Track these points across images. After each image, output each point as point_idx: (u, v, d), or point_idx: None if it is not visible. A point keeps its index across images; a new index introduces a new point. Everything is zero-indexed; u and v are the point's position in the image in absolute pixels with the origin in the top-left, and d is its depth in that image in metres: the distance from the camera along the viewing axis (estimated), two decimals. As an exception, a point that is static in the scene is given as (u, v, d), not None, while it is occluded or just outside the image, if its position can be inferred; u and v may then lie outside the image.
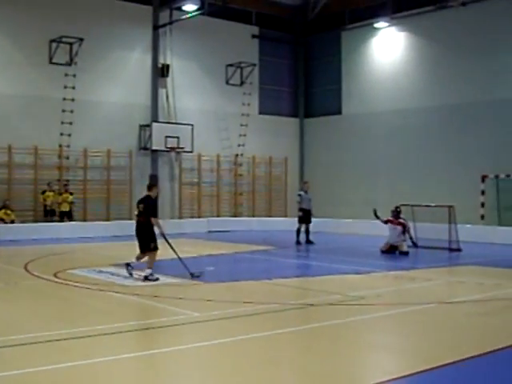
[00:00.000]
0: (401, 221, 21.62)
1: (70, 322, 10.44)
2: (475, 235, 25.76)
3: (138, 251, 15.09)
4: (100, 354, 8.18)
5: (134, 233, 15.09)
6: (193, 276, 14.93)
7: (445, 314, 11.50)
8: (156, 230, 14.87)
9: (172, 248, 15.13)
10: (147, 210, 14.77)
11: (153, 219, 14.71)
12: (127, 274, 14.95)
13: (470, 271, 18.07)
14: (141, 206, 14.98)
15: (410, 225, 22.14)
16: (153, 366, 7.91)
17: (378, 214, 22.15)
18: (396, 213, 21.79)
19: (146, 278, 14.53)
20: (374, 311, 11.49)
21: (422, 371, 7.61)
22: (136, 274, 14.99)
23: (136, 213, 15.36)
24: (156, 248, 14.80)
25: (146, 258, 14.91)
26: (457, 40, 30.79)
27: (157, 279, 14.57)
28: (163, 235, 14.81)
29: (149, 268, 14.68)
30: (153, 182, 15.61)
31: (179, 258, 15.30)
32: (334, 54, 36.61)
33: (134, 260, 15.09)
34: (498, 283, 15.16)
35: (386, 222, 21.83)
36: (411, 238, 22.15)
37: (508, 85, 28.98)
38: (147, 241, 14.76)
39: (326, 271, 17.08)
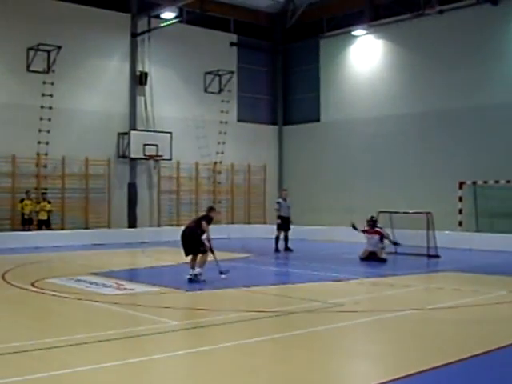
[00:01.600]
0: (377, 230, 21.60)
1: (48, 331, 10.36)
2: (453, 241, 25.93)
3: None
4: (79, 364, 8.13)
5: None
6: (222, 273, 15.94)
7: (423, 321, 11.54)
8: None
9: (212, 252, 15.86)
10: (201, 218, 16.13)
11: (204, 223, 15.81)
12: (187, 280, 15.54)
13: (448, 277, 18.16)
14: (198, 217, 16.79)
15: (388, 231, 22.17)
16: (131, 375, 7.86)
17: (356, 226, 22.16)
18: (372, 222, 21.76)
19: (193, 277, 15.55)
20: (353, 318, 11.51)
21: (400, 378, 7.61)
22: (115, 282, 14.92)
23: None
24: (205, 250, 15.75)
25: (198, 259, 15.78)
26: (434, 47, 31.02)
27: (204, 281, 15.46)
28: (209, 240, 15.80)
29: (200, 267, 15.68)
30: (212, 206, 17.51)
31: (215, 260, 16.02)
32: (313, 62, 36.73)
33: (191, 271, 15.72)
34: (475, 289, 15.24)
35: (363, 232, 21.82)
36: (391, 241, 22.05)
37: (485, 91, 29.19)
38: (197, 245, 15.77)
39: (304, 278, 17.08)
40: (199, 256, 15.77)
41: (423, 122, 31.38)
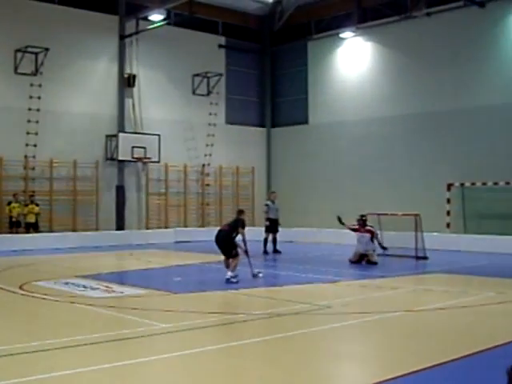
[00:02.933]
0: (368, 228, 21.48)
1: (34, 334, 10.33)
2: (441, 243, 26.01)
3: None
4: (65, 367, 8.08)
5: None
6: (254, 276, 17.03)
7: (411, 322, 11.56)
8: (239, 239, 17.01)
9: (247, 254, 16.93)
10: (237, 223, 16.92)
11: (241, 229, 16.70)
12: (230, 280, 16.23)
13: (437, 279, 18.18)
14: (231, 221, 17.51)
15: (377, 233, 22.10)
16: (119, 378, 7.85)
17: (343, 220, 22.01)
18: (362, 221, 21.66)
19: (227, 280, 16.12)
20: (342, 320, 11.51)
21: (388, 379, 7.62)
22: (103, 285, 14.88)
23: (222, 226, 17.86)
24: (237, 254, 16.56)
25: (230, 262, 16.54)
26: (421, 50, 31.11)
27: (237, 282, 16.09)
28: (245, 243, 16.81)
29: (232, 271, 16.34)
30: (242, 209, 18.62)
31: (249, 261, 17.12)
32: (301, 64, 36.78)
33: (228, 273, 16.32)
34: (463, 290, 15.30)
35: (353, 231, 21.68)
36: (380, 244, 21.95)
37: (472, 94, 29.30)
38: (230, 248, 16.56)
39: (293, 280, 17.09)
40: (231, 260, 16.49)
41: (411, 124, 31.46)
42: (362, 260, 21.16)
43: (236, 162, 36.46)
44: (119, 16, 32.13)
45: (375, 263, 20.88)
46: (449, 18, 29.98)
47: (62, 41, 29.90)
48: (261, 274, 17.37)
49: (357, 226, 21.57)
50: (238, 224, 16.87)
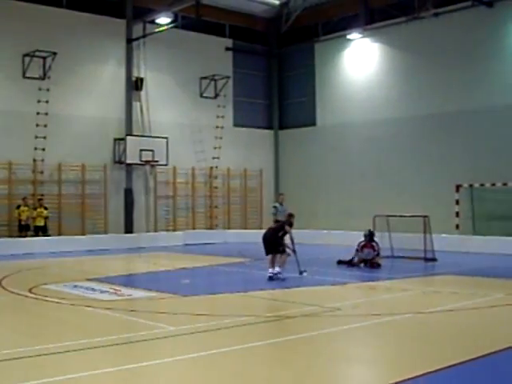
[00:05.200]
0: (373, 245, 20.98)
1: (44, 337, 10.32)
2: (450, 245, 25.92)
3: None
4: (74, 370, 8.10)
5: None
6: (301, 273, 17.93)
7: (421, 324, 11.53)
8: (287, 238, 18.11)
9: (294, 252, 17.95)
10: (284, 223, 18.27)
11: (287, 227, 17.87)
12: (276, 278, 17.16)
13: (446, 281, 18.15)
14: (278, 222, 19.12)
15: (385, 234, 21.92)
16: (127, 381, 7.85)
17: (342, 259, 21.71)
18: (369, 236, 21.41)
19: (274, 275, 17.09)
20: (351, 322, 11.48)
21: (398, 382, 7.60)
22: (112, 288, 14.94)
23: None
24: (284, 250, 17.65)
25: (277, 259, 17.42)
26: (429, 51, 31.04)
27: (284, 279, 17.04)
28: (292, 240, 17.90)
29: (279, 267, 17.29)
30: (291, 213, 19.10)
31: (296, 259, 18.04)
32: (308, 66, 36.75)
33: (271, 270, 17.26)
34: (472, 292, 15.24)
35: (358, 250, 21.25)
36: (377, 261, 21.41)
37: (481, 94, 29.21)
38: (277, 245, 17.53)
39: (301, 283, 17.04)
40: (278, 256, 17.40)
41: (419, 125, 31.38)
42: (366, 263, 20.91)
43: (244, 165, 36.45)
44: (126, 19, 32.18)
45: (378, 265, 20.69)
46: (456, 19, 29.91)
47: (70, 45, 29.97)
48: (305, 273, 17.99)
49: (364, 243, 21.25)
50: (285, 223, 18.06)
